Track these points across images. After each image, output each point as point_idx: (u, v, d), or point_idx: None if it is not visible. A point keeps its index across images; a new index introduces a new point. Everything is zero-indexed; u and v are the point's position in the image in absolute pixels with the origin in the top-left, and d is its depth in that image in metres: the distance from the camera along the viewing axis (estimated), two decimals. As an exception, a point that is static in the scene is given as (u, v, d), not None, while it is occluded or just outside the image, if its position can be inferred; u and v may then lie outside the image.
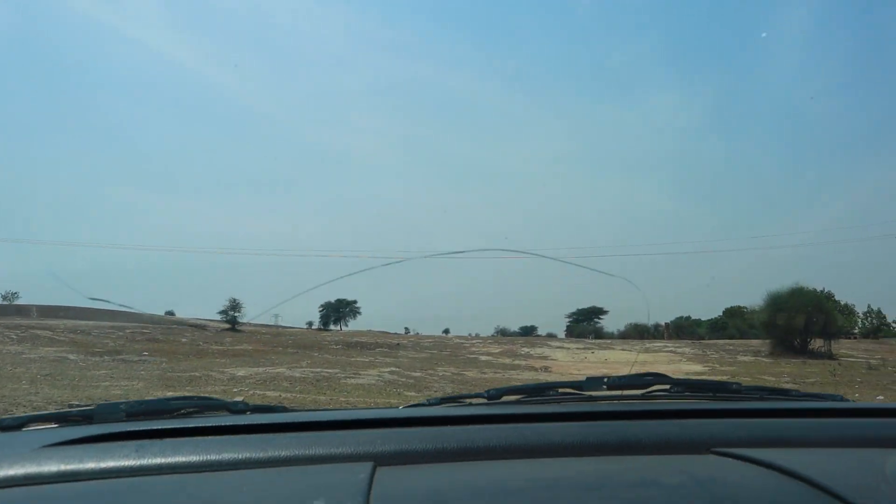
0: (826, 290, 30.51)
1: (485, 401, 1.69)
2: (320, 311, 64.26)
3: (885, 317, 48.63)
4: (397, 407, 1.78)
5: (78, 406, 1.67)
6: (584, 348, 33.77)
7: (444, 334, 51.30)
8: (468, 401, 1.73)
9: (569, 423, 1.32)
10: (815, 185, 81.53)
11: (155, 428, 1.29)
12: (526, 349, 31.92)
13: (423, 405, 1.74)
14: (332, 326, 62.67)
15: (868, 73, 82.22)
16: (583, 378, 1.78)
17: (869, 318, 48.05)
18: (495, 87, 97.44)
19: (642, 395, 1.73)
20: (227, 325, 38.13)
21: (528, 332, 56.48)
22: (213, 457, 1.11)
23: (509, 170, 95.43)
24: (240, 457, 1.11)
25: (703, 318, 56.08)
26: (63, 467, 1.06)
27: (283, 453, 1.12)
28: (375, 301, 65.20)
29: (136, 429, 1.30)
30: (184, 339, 28.07)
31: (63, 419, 1.51)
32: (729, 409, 1.56)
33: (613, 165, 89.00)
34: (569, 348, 33.51)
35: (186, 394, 9.17)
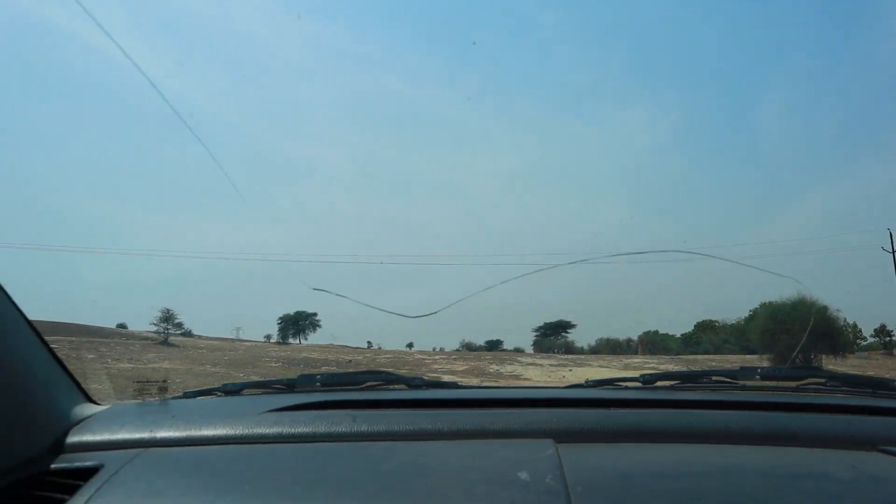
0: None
1: (639, 385, 1.64)
2: (279, 324, 58.14)
3: (860, 330, 44.87)
4: (557, 387, 1.75)
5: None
6: (558, 365, 28.74)
7: (407, 349, 45.87)
8: (623, 384, 1.68)
9: (729, 412, 1.27)
10: (774, 200, 78.32)
11: (355, 399, 1.42)
12: (495, 366, 26.77)
13: (582, 387, 1.68)
14: (291, 340, 56.57)
15: (825, 89, 79.38)
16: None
17: (846, 333, 44.16)
18: (458, 100, 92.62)
19: (796, 386, 1.64)
20: (160, 339, 32.30)
21: (494, 346, 51.18)
22: (406, 427, 1.18)
23: (471, 183, 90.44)
24: (431, 428, 1.18)
25: (672, 333, 51.54)
26: (287, 430, 1.18)
27: (469, 427, 1.18)
28: (338, 313, 59.51)
29: (339, 398, 1.41)
30: (90, 356, 22.22)
31: (269, 386, 1.71)
32: (890, 407, 1.38)
33: (577, 179, 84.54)
34: (542, 365, 28.42)
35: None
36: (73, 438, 1.21)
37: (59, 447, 1.18)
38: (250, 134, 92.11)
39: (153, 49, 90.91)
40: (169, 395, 1.65)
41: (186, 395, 1.64)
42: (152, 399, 1.59)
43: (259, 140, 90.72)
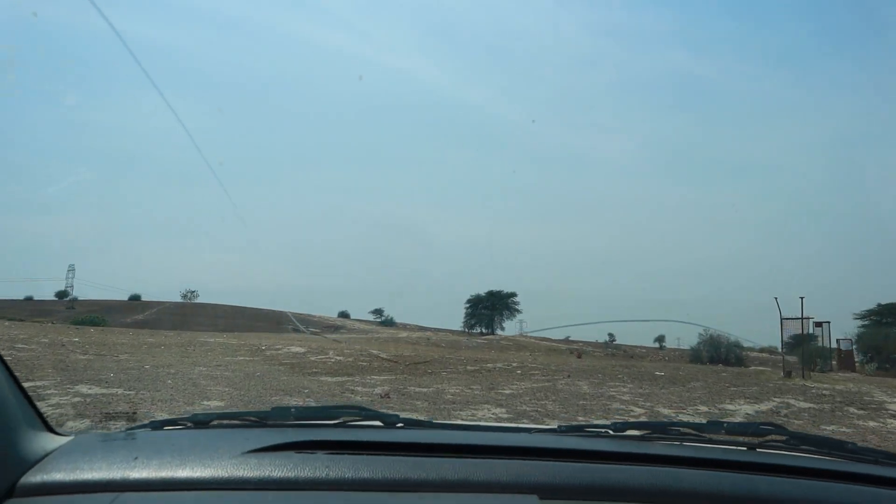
0: None
1: (610, 432, 1.62)
2: (466, 308, 53.77)
3: None
4: (529, 429, 1.73)
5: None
6: None
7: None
8: (594, 431, 1.65)
9: (699, 471, 1.30)
10: None
11: (332, 440, 1.34)
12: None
13: (556, 432, 1.67)
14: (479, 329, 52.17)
15: None
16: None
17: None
18: (754, 70, 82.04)
19: (759, 443, 1.63)
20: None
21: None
22: (388, 475, 1.15)
23: (769, 161, 80.00)
24: (414, 477, 1.15)
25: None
26: (267, 474, 1.13)
27: (453, 477, 1.16)
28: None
29: (315, 438, 1.34)
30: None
31: (241, 418, 1.57)
32: (846, 471, 1.41)
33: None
34: None
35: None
36: (33, 478, 1.11)
37: (16, 489, 1.08)
38: (535, 130, 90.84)
39: (439, 64, 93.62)
40: (135, 425, 1.55)
41: (153, 426, 1.54)
42: (117, 429, 1.47)
43: (543, 135, 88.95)
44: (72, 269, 67.05)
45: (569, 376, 13.81)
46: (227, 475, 1.12)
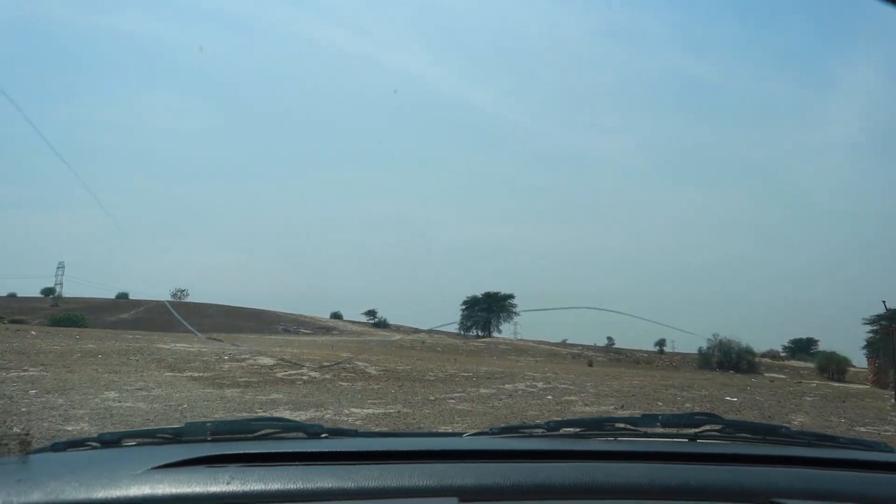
0: None
1: (544, 432, 1.57)
2: (462, 310, 50.39)
3: None
4: (461, 434, 1.61)
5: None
6: None
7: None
8: (529, 431, 1.60)
9: (631, 465, 1.28)
10: None
11: (246, 452, 1.27)
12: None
13: (486, 434, 1.61)
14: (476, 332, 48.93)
15: None
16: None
17: None
18: (754, 70, 79.36)
19: (694, 434, 1.61)
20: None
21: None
22: (301, 486, 1.08)
23: (777, 163, 77.07)
24: (328, 486, 1.09)
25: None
26: (173, 491, 1.05)
27: (371, 484, 1.10)
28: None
29: (228, 452, 1.26)
30: None
31: (153, 435, 1.47)
32: (781, 455, 1.43)
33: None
34: None
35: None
36: None
37: None
38: (537, 131, 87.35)
39: (442, 63, 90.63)
40: (33, 449, 1.42)
41: (55, 448, 1.40)
42: (12, 454, 1.37)
43: (546, 135, 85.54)
44: (61, 266, 63.21)
45: (622, 407, 10.10)
46: (128, 493, 1.02)
